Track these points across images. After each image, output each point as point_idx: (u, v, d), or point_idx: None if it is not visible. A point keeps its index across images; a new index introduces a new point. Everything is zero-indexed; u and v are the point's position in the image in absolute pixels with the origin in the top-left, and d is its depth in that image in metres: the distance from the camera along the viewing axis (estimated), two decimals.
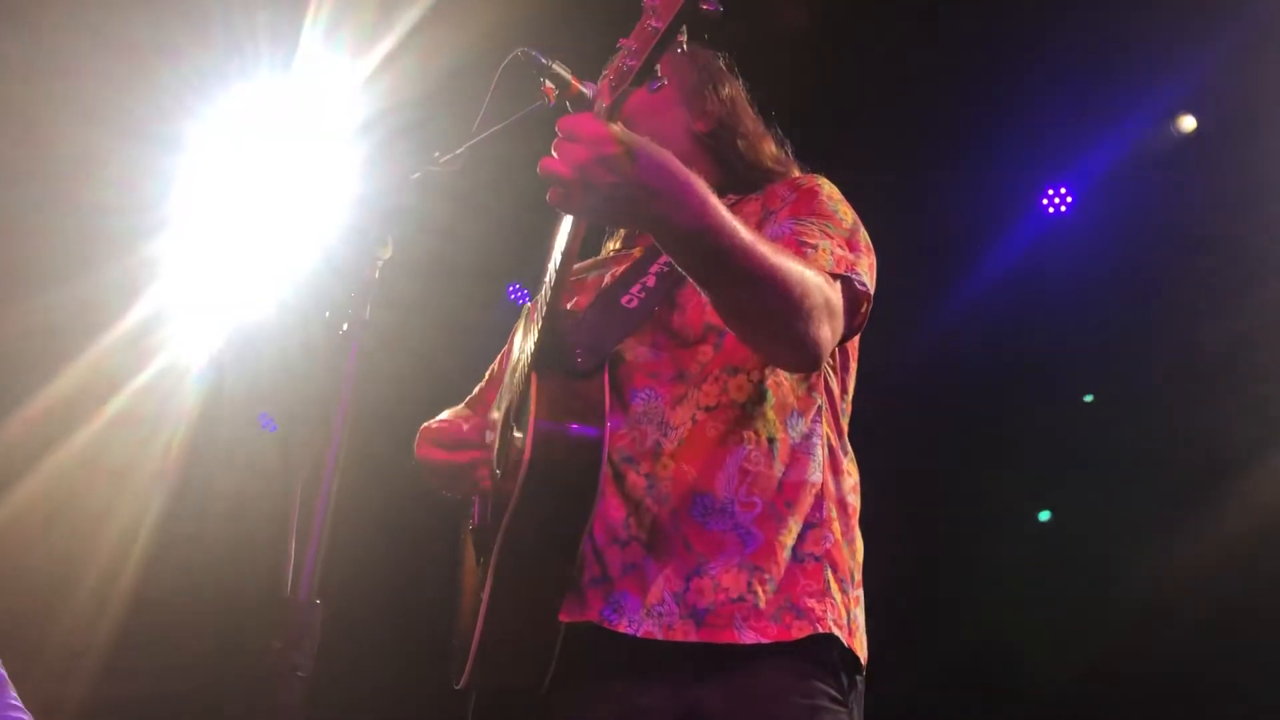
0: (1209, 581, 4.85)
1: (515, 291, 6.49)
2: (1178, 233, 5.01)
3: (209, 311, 5.86)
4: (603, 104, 1.73)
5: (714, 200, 1.76)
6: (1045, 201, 5.26)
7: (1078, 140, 5.06)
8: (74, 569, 5.66)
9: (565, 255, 1.96)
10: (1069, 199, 5.21)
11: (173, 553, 5.86)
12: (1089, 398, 5.34)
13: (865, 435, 2.34)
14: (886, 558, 2.37)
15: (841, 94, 4.94)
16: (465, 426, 2.29)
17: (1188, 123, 4.90)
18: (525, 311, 2.64)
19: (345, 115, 5.11)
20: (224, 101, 5.36)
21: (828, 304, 1.93)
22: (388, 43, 5.00)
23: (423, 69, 5.03)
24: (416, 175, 2.08)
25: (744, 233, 1.79)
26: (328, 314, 1.90)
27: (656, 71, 1.69)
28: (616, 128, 1.67)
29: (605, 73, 2.49)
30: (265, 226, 5.42)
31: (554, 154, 1.67)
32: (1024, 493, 5.24)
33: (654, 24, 1.65)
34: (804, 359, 1.98)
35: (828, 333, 1.94)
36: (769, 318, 1.88)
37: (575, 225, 1.95)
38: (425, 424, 2.34)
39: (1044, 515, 5.50)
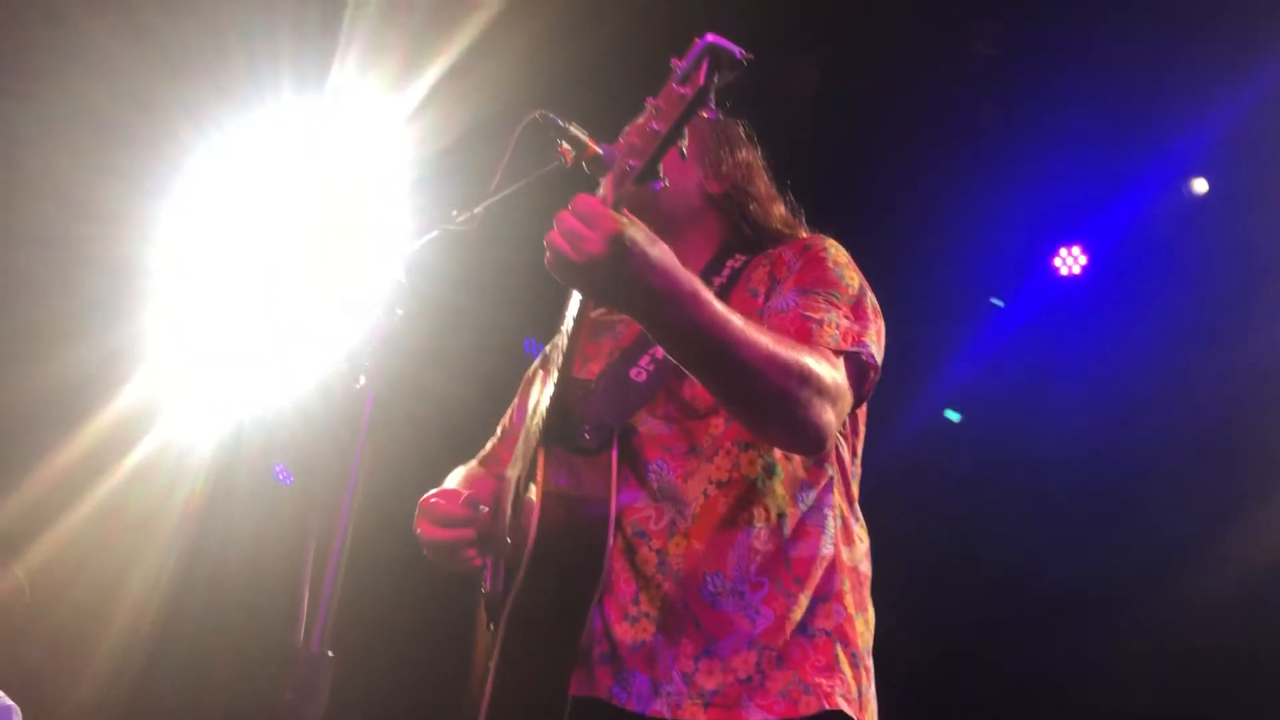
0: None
1: (531, 346, 6.54)
2: (1190, 294, 5.01)
3: (227, 365, 5.91)
4: (606, 198, 1.77)
5: (706, 294, 1.79)
6: (1058, 262, 5.27)
7: (1091, 201, 5.08)
8: (96, 623, 5.68)
9: (578, 320, 1.99)
10: (1082, 260, 5.22)
11: (190, 604, 5.87)
12: None
13: (877, 497, 2.35)
14: (896, 630, 2.35)
15: (856, 153, 5.00)
16: (461, 500, 2.29)
17: (1200, 185, 4.92)
18: (539, 363, 2.67)
19: (367, 168, 5.18)
20: (249, 156, 5.45)
21: (833, 386, 1.95)
22: (411, 98, 5.08)
23: (444, 122, 5.12)
24: (435, 233, 2.11)
25: (737, 323, 1.82)
26: (345, 365, 1.92)
27: (659, 172, 1.73)
28: (625, 223, 1.71)
29: (627, 129, 2.55)
30: (285, 279, 5.48)
31: (560, 227, 1.71)
32: (1033, 554, 5.20)
33: (655, 126, 1.68)
34: (808, 444, 2.00)
35: (831, 416, 1.95)
36: (768, 406, 1.90)
37: (586, 299, 1.98)
38: (424, 496, 2.34)
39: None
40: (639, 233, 1.72)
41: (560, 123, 2.37)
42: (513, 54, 4.89)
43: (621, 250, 1.69)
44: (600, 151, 2.41)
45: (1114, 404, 5.13)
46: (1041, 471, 5.24)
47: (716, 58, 1.59)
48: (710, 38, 1.60)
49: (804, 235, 2.40)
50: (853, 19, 4.85)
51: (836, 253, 2.24)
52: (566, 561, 1.94)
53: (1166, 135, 4.81)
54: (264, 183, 5.47)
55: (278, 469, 6.75)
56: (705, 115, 1.63)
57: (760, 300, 2.19)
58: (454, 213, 2.16)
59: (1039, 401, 5.27)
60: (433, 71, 5.00)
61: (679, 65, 1.65)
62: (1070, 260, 5.23)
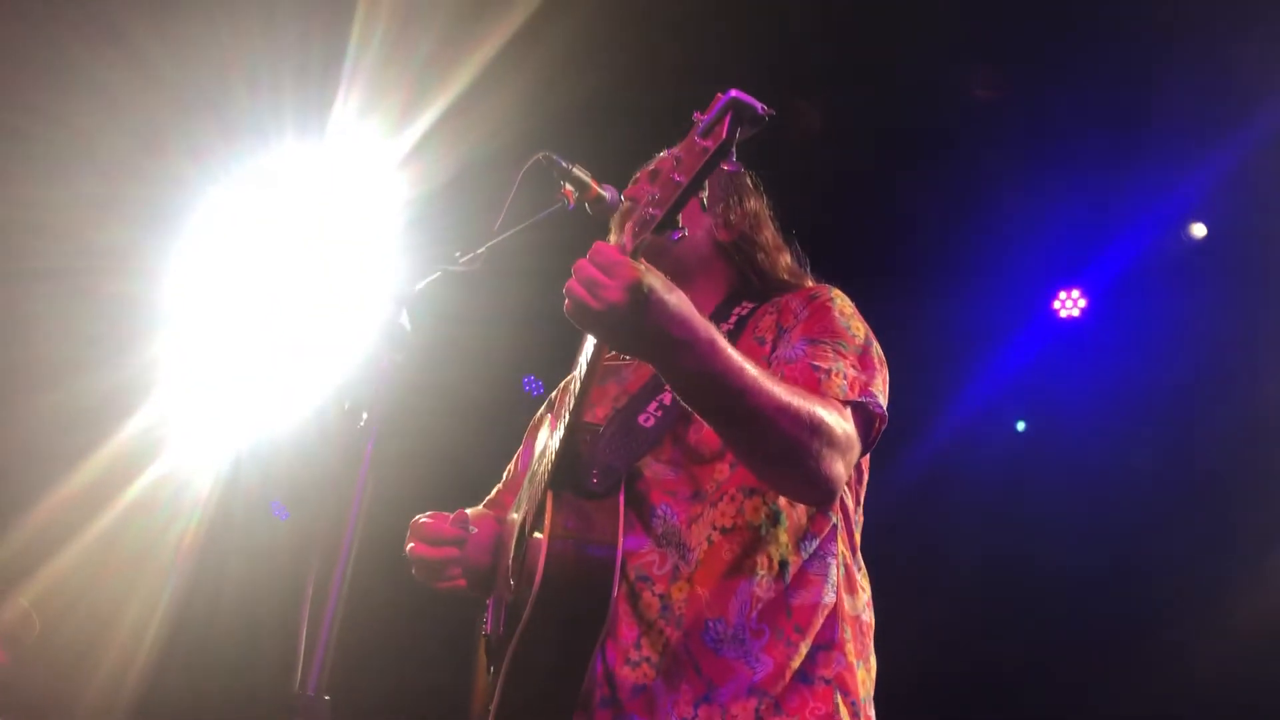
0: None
1: (530, 383, 6.54)
2: (1189, 335, 5.03)
3: (226, 401, 5.91)
4: (625, 246, 1.77)
5: (722, 342, 1.80)
6: (1057, 305, 5.29)
7: (1090, 245, 5.11)
8: (90, 657, 5.64)
9: (592, 365, 1.99)
10: (1081, 302, 5.24)
11: (185, 641, 5.83)
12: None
13: (878, 543, 2.35)
14: (900, 668, 2.34)
15: (858, 198, 5.03)
16: (449, 522, 2.31)
17: (1199, 229, 4.95)
18: (545, 409, 2.67)
19: (367, 207, 5.21)
20: (249, 193, 5.49)
21: (844, 438, 1.96)
22: (411, 137, 5.11)
23: (442, 161, 5.15)
24: (438, 274, 2.12)
25: (752, 372, 1.83)
26: (347, 405, 1.92)
27: (678, 222, 1.75)
28: (645, 274, 1.72)
29: (636, 176, 2.57)
30: (283, 316, 5.49)
31: (579, 275, 1.72)
32: (1032, 598, 5.18)
33: (677, 177, 1.70)
34: (817, 495, 2.01)
35: (840, 468, 1.96)
36: (779, 456, 1.91)
37: (600, 345, 1.98)
38: (415, 518, 2.35)
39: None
40: (657, 281, 1.73)
41: (564, 164, 2.40)
42: (511, 94, 4.93)
43: (641, 298, 1.70)
44: (603, 193, 2.44)
45: (1114, 444, 5.13)
46: (1042, 512, 5.23)
47: (740, 113, 1.61)
48: (734, 93, 1.62)
49: (810, 284, 2.41)
50: (853, 65, 4.89)
51: (842, 303, 2.25)
52: (572, 605, 1.94)
53: (1165, 180, 4.84)
54: (266, 222, 5.51)
55: (274, 505, 6.74)
56: (726, 168, 1.65)
57: (767, 348, 2.20)
58: (457, 254, 2.17)
59: (1041, 442, 5.27)
60: (432, 111, 5.04)
61: (701, 118, 1.66)
62: (1070, 303, 5.24)
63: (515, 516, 2.31)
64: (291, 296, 5.44)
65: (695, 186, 1.69)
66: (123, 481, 5.70)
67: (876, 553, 2.30)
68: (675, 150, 1.72)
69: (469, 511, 2.51)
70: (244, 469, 6.12)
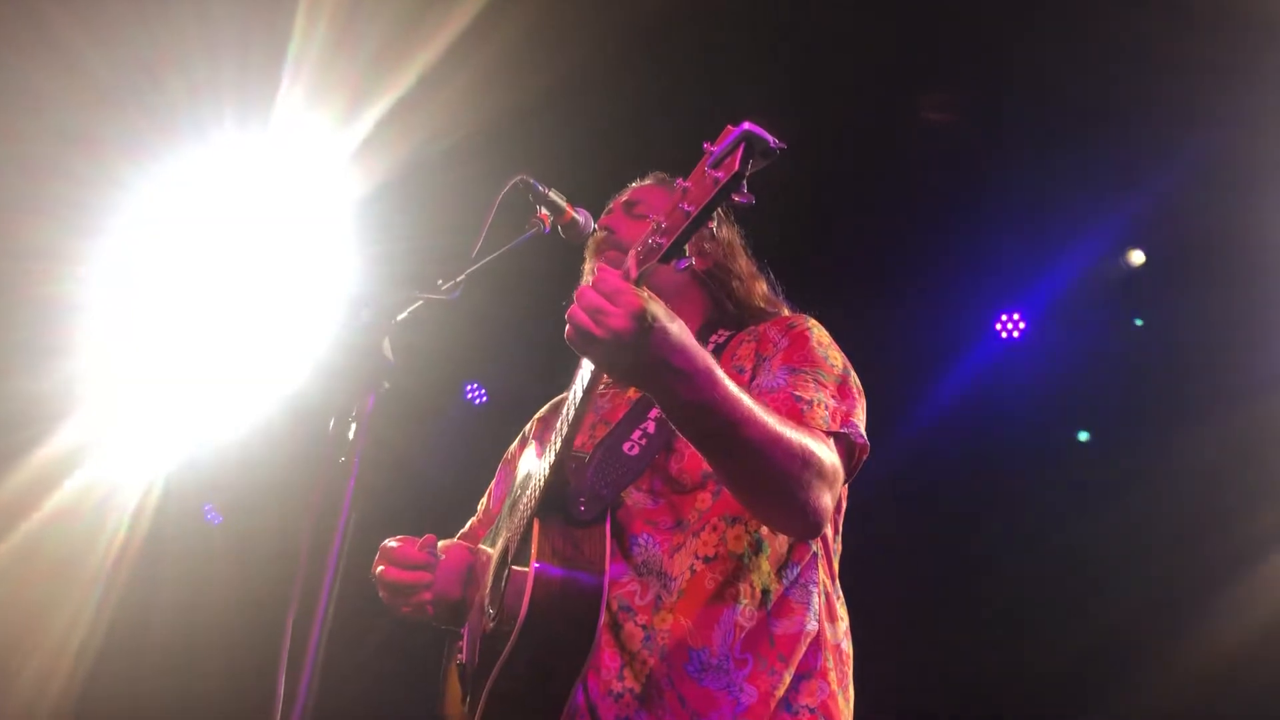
0: None
1: (473, 390, 6.47)
2: (1127, 360, 5.16)
3: (160, 406, 5.77)
4: (630, 273, 1.77)
5: (720, 373, 1.81)
6: (999, 327, 5.40)
7: (1031, 269, 5.22)
8: (7, 672, 5.46)
9: (588, 392, 1.97)
10: (1022, 325, 5.36)
11: (116, 655, 5.67)
12: None
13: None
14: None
15: (802, 221, 5.07)
16: (418, 547, 2.29)
17: (1137, 256, 5.08)
18: (518, 444, 2.65)
19: (311, 203, 5.11)
20: (188, 191, 5.35)
21: (831, 470, 1.98)
22: (358, 131, 5.02)
23: (391, 157, 5.07)
24: (420, 303, 2.08)
25: (747, 403, 1.83)
26: (331, 443, 1.87)
27: (685, 251, 1.75)
28: (649, 302, 1.71)
29: (610, 206, 2.55)
30: (223, 317, 5.38)
31: (582, 301, 1.71)
32: (980, 617, 5.27)
33: (686, 207, 1.70)
34: (805, 528, 2.02)
35: (828, 501, 1.98)
36: (770, 488, 1.92)
37: (598, 372, 1.96)
38: (384, 542, 2.32)
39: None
40: (661, 309, 1.73)
41: (540, 188, 2.39)
42: (461, 90, 4.88)
43: (645, 327, 1.69)
44: (577, 216, 2.44)
45: (1053, 462, 5.24)
46: (985, 529, 5.33)
47: (751, 145, 1.62)
48: (747, 125, 1.62)
49: (786, 313, 2.44)
50: (799, 86, 4.93)
51: (820, 333, 2.27)
52: (556, 634, 1.92)
53: (1105, 208, 4.95)
54: (203, 218, 5.37)
55: (207, 509, 6.60)
56: (738, 200, 1.65)
57: (746, 377, 2.21)
58: (440, 281, 2.13)
59: (985, 458, 5.36)
60: (381, 104, 4.96)
61: (712, 150, 1.66)
62: (1010, 326, 5.35)
63: (488, 548, 2.28)
64: (233, 297, 5.32)
65: (704, 217, 1.69)
66: (48, 489, 5.53)
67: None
68: (685, 181, 1.72)
69: (441, 542, 2.48)
70: (176, 475, 5.97)
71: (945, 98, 4.94)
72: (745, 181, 1.64)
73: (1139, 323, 5.25)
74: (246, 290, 5.20)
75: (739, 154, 1.62)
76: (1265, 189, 4.71)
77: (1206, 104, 4.61)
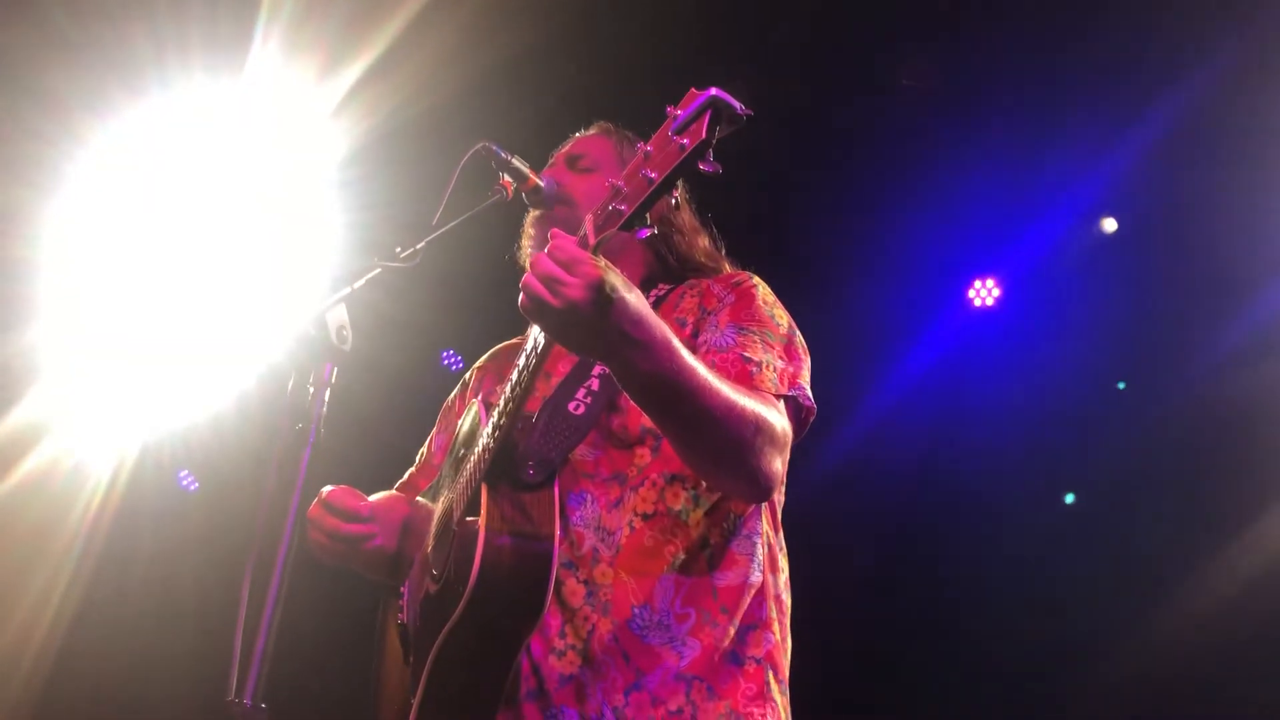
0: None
1: (449, 358, 6.46)
2: (1101, 326, 5.18)
3: (132, 371, 5.72)
4: (588, 240, 1.74)
5: (676, 342, 1.80)
6: (972, 294, 5.39)
7: (1005, 234, 5.22)
8: None
9: (541, 357, 1.94)
10: (995, 291, 5.36)
11: (90, 630, 5.64)
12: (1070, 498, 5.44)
13: (797, 527, 2.38)
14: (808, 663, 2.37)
15: (773, 185, 5.05)
16: (361, 500, 2.25)
17: (1110, 224, 5.09)
18: (457, 391, 2.64)
19: (285, 162, 5.03)
20: (155, 148, 5.24)
21: (783, 434, 1.98)
22: (336, 89, 4.94)
23: (368, 117, 5.01)
24: (377, 270, 2.07)
25: (702, 372, 1.83)
26: (287, 411, 1.87)
27: (647, 219, 1.72)
28: (608, 272, 1.68)
29: (553, 160, 2.54)
30: (192, 279, 5.31)
31: (538, 270, 1.67)
32: (953, 588, 5.31)
33: (649, 173, 1.65)
34: (757, 493, 2.03)
35: (779, 466, 1.99)
36: (724, 455, 1.92)
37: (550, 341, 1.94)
38: (324, 488, 2.29)
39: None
40: (618, 279, 1.70)
41: (503, 155, 2.37)
42: (440, 49, 4.82)
43: (603, 298, 1.67)
44: (540, 183, 2.42)
45: (1026, 434, 5.26)
46: (955, 500, 5.35)
47: (719, 112, 1.58)
48: (714, 91, 1.58)
49: (728, 269, 2.43)
50: (771, 48, 4.91)
51: (765, 291, 2.26)
52: (506, 600, 1.91)
53: (1078, 172, 4.95)
54: (173, 178, 5.27)
55: (182, 476, 6.57)
56: (704, 168, 1.61)
57: (688, 330, 2.20)
58: (397, 249, 2.12)
59: (955, 432, 5.38)
60: (359, 63, 4.88)
61: (676, 114, 1.62)
62: (984, 292, 5.35)
63: (427, 502, 2.27)
64: (206, 258, 5.23)
65: (668, 184, 1.65)
66: (16, 457, 5.48)
67: (789, 539, 2.32)
68: (646, 145, 1.69)
69: (374, 496, 2.47)
70: (151, 442, 5.93)
71: (920, 64, 4.91)
72: (711, 149, 1.60)
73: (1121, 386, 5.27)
74: (217, 254, 5.13)
75: (705, 120, 1.58)
76: (1241, 153, 4.72)
77: (1183, 66, 4.62)
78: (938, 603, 5.32)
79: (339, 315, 1.96)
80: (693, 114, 1.59)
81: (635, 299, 1.73)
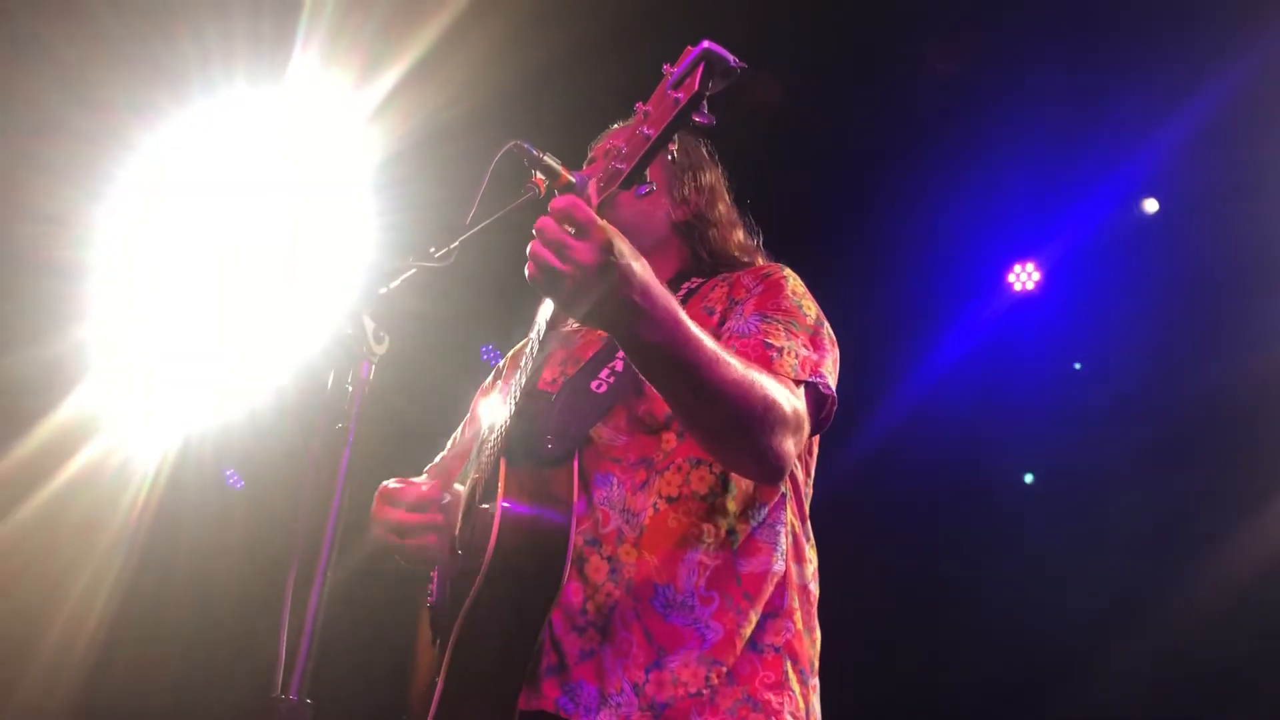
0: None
1: (488, 353, 6.50)
2: (1142, 310, 5.13)
3: (177, 370, 5.80)
4: (591, 200, 1.74)
5: (682, 314, 1.78)
6: (1012, 278, 5.35)
7: (1045, 219, 5.17)
8: (28, 643, 5.52)
9: (549, 330, 1.97)
10: (1036, 276, 5.31)
11: (135, 624, 5.72)
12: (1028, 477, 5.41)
13: (835, 516, 2.37)
14: (852, 643, 2.37)
15: (816, 170, 5.03)
16: (424, 487, 2.25)
17: (1151, 205, 5.03)
18: (493, 376, 2.66)
19: (327, 168, 5.08)
20: (202, 154, 5.32)
21: (794, 416, 1.97)
22: (373, 96, 4.98)
23: (407, 122, 5.04)
24: (412, 270, 2.09)
25: (709, 346, 1.82)
26: (325, 410, 1.89)
27: (645, 176, 1.72)
28: (617, 237, 1.67)
29: (592, 154, 2.55)
30: (239, 281, 5.38)
31: (545, 235, 1.66)
32: (991, 566, 5.28)
33: (646, 130, 1.66)
34: (767, 472, 2.02)
35: (790, 445, 1.97)
36: (732, 431, 1.91)
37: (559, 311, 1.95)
38: (384, 484, 2.30)
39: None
40: (625, 245, 1.69)
41: (535, 153, 2.36)
42: (477, 53, 4.84)
43: (610, 262, 1.65)
44: (574, 180, 2.41)
45: (1069, 418, 5.22)
46: (996, 485, 5.33)
47: (711, 64, 1.58)
48: (706, 44, 1.59)
49: (761, 262, 2.43)
50: (810, 36, 4.88)
51: (795, 282, 2.26)
52: (525, 572, 1.92)
53: (1119, 155, 4.90)
54: (217, 182, 5.35)
55: (228, 474, 6.66)
56: (699, 120, 1.61)
57: (715, 319, 2.21)
58: (431, 249, 2.14)
59: (995, 415, 5.35)
60: (396, 68, 4.92)
61: (672, 71, 1.63)
62: (1024, 276, 5.30)
63: (461, 488, 2.28)
64: (248, 260, 5.30)
65: (665, 139, 1.65)
66: (67, 453, 5.58)
67: (826, 527, 2.32)
68: (645, 104, 1.69)
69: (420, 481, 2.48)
70: (195, 440, 6.01)
71: (951, 47, 4.87)
72: (706, 102, 1.61)
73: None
74: (260, 255, 5.19)
75: (699, 74, 1.59)
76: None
77: (1224, 51, 4.55)
78: (972, 592, 5.29)
79: (373, 316, 1.97)
80: (686, 68, 1.61)
81: (641, 266, 1.71)
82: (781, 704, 2.01)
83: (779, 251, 2.52)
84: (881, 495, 5.23)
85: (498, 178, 2.39)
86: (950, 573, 5.40)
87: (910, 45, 5.01)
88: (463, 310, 5.78)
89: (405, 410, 5.68)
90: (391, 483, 2.30)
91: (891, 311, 5.31)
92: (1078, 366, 5.27)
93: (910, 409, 5.24)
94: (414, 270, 2.08)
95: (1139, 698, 4.96)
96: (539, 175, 2.39)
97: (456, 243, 2.18)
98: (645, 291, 1.71)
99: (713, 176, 2.52)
